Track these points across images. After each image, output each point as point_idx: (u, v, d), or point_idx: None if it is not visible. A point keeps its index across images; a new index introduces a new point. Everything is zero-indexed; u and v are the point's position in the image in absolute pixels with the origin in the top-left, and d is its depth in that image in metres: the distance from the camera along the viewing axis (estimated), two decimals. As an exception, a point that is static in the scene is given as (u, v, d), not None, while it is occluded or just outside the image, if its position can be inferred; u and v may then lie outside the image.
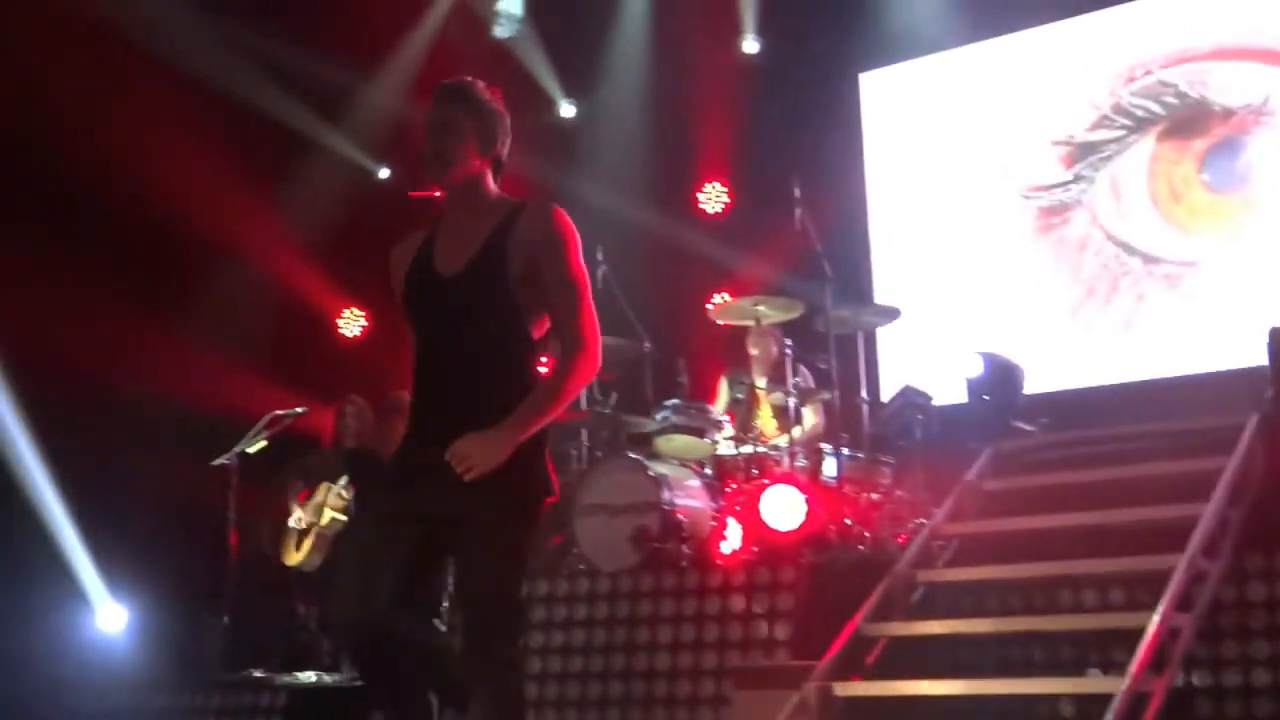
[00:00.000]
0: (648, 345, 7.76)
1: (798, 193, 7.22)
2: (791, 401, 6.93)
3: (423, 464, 3.26)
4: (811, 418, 7.27)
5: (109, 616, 8.33)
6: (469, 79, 3.57)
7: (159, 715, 6.97)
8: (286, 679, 6.65)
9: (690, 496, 6.74)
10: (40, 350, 8.06)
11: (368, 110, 10.42)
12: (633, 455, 6.86)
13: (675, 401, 7.21)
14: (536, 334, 3.41)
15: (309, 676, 6.65)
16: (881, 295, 8.74)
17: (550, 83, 10.27)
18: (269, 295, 10.06)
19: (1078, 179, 8.61)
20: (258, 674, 6.86)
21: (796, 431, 6.89)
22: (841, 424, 7.19)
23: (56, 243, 8.36)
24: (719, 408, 7.53)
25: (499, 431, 3.22)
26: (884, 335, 8.45)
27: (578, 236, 3.42)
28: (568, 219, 3.43)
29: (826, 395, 7.21)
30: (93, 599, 8.38)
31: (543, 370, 3.60)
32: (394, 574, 3.23)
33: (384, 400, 7.17)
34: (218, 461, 7.16)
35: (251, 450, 7.20)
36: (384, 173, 10.89)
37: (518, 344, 3.37)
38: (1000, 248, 8.84)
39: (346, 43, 9.49)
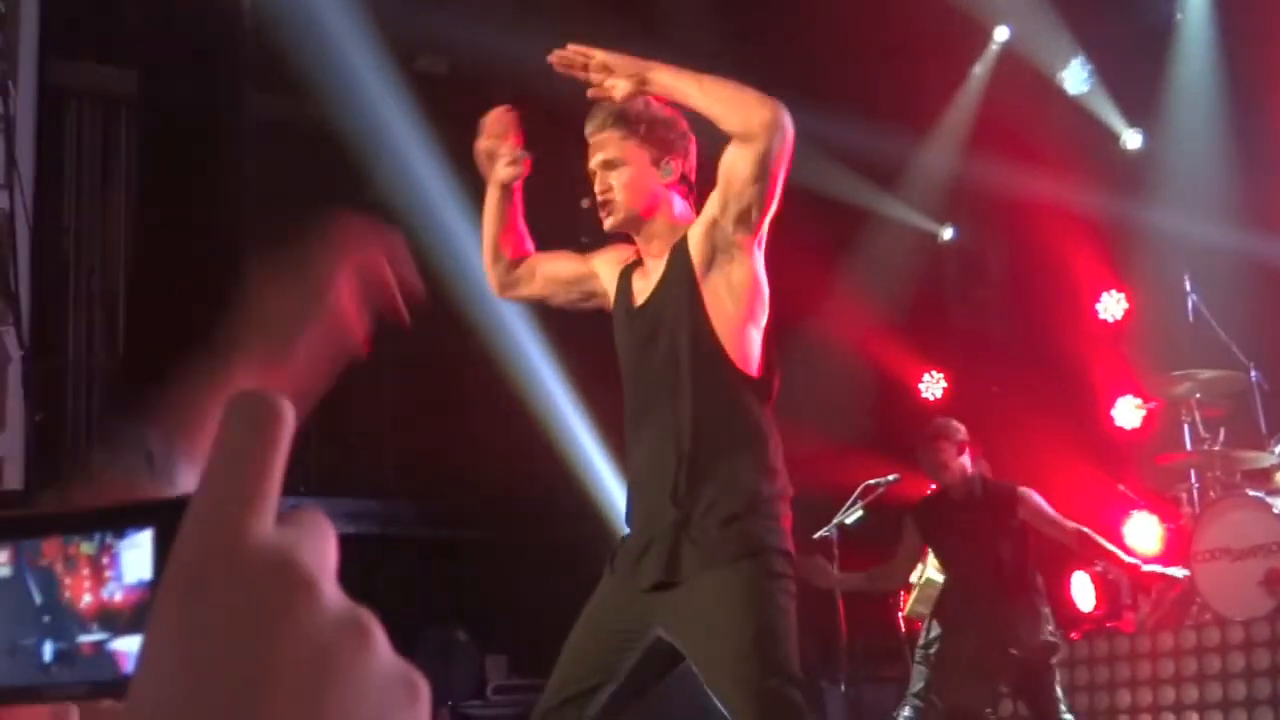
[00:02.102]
0: (1255, 374, 7.23)
1: None
2: None
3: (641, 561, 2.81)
4: None
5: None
6: None
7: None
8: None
9: (1325, 533, 6.15)
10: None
11: (925, 173, 10.47)
12: (1252, 493, 6.38)
13: (1295, 431, 6.64)
14: (753, 369, 2.86)
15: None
16: None
17: (1111, 115, 9.85)
18: (851, 366, 10.25)
19: None
20: (880, 741, 6.92)
21: None
22: None
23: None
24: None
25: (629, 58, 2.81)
26: None
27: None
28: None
29: None
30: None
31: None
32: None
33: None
34: (819, 534, 7.33)
35: (849, 521, 7.32)
36: (947, 233, 10.86)
37: (726, 378, 2.82)
38: None
39: (897, 110, 9.60)
